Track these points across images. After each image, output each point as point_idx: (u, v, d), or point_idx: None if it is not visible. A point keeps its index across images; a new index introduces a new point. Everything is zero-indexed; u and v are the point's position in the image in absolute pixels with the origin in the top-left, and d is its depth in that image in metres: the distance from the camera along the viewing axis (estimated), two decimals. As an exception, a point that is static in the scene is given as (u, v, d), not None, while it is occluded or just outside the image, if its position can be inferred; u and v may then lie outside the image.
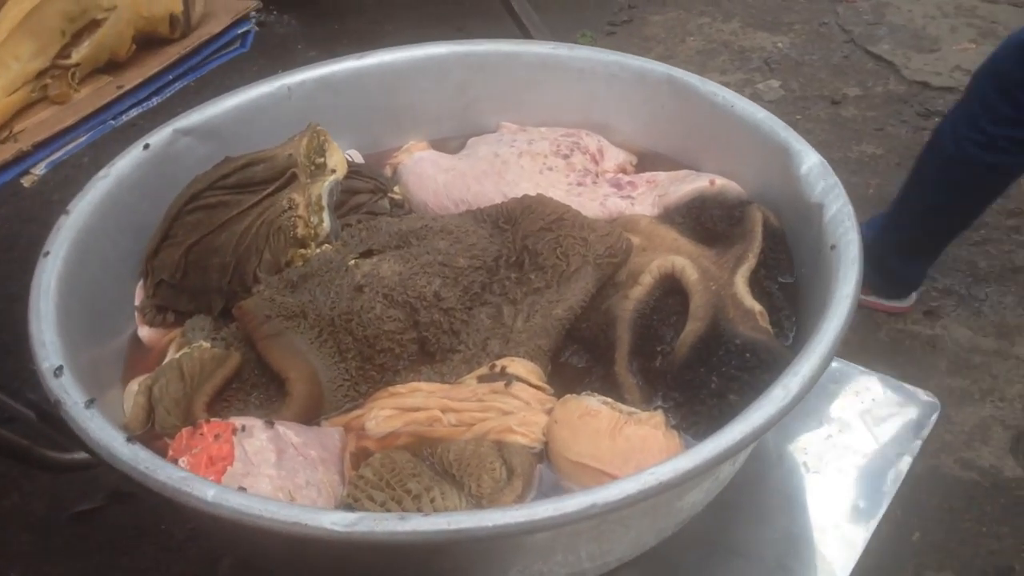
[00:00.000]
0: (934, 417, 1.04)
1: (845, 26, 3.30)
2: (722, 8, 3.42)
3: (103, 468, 1.67)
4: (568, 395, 0.92)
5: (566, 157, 1.20)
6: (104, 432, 0.79)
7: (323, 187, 1.09)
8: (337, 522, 0.71)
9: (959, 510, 1.80)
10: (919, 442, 1.01)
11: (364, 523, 0.71)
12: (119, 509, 1.75)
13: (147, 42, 1.30)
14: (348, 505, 0.83)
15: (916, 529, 1.73)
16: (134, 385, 0.98)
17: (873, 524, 0.95)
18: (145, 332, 1.06)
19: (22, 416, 1.74)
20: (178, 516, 1.74)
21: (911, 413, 1.05)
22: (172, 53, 1.29)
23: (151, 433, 0.92)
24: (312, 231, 1.06)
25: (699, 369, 0.92)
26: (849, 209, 0.97)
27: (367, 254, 1.04)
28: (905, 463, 1.00)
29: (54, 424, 1.09)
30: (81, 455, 1.56)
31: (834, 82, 3.02)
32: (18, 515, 1.75)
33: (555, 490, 0.87)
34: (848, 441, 1.03)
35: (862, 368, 1.10)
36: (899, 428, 1.03)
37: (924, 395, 1.06)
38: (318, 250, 1.06)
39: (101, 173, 1.08)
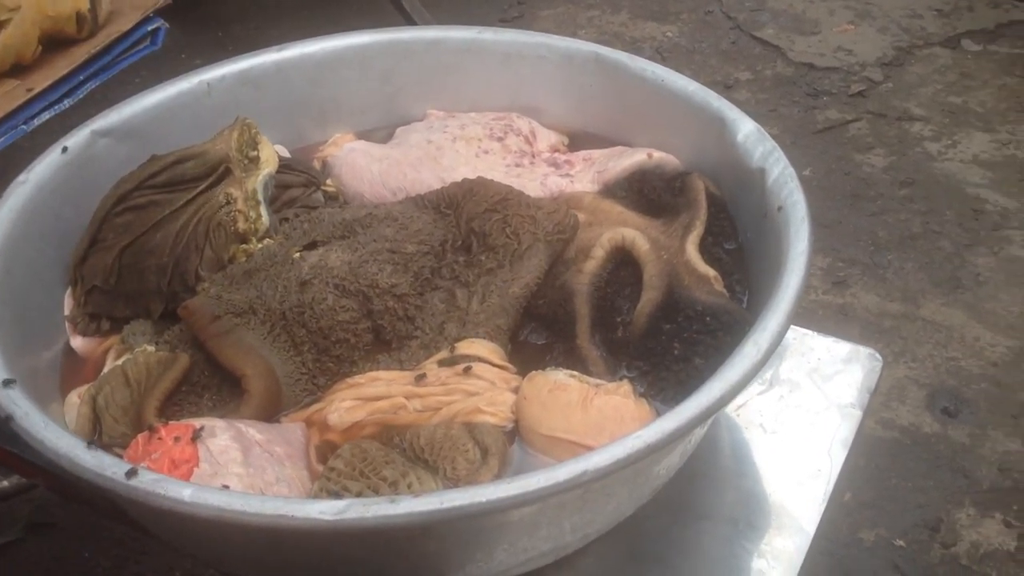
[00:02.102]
0: (878, 370, 1.07)
1: (729, 13, 3.39)
2: (610, 0, 3.48)
3: (16, 500, 1.59)
4: (534, 371, 0.91)
5: (500, 139, 1.20)
6: (63, 440, 0.75)
7: (258, 181, 1.06)
8: (325, 510, 0.69)
9: (885, 468, 1.87)
10: (868, 395, 1.04)
11: (354, 509, 0.69)
12: (37, 541, 1.65)
13: (54, 43, 1.23)
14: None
15: (847, 490, 1.79)
16: (74, 397, 0.93)
17: (833, 477, 0.97)
18: (78, 342, 1.01)
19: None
20: (102, 542, 1.66)
21: (856, 369, 1.08)
22: (81, 53, 1.23)
23: (99, 444, 0.87)
24: (252, 226, 1.03)
25: (660, 337, 0.93)
26: (791, 171, 0.99)
27: (311, 246, 1.02)
28: (856, 417, 1.03)
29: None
30: (-1, 484, 1.48)
31: (725, 67, 3.10)
32: (-74, 555, 1.65)
33: (530, 467, 0.86)
34: (800, 400, 1.05)
35: (805, 330, 1.12)
36: (847, 384, 1.06)
37: (866, 351, 1.10)
38: (260, 245, 1.02)
39: (20, 179, 1.03)
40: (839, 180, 2.62)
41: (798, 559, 0.91)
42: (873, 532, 1.77)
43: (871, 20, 3.28)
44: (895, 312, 2.20)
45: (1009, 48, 3.10)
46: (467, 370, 0.92)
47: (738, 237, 1.05)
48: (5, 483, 1.51)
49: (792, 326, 1.05)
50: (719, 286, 0.97)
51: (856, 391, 1.05)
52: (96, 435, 0.88)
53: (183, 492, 0.70)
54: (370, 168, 1.18)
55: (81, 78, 1.23)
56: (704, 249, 1.01)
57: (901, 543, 1.76)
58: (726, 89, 2.96)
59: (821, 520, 0.94)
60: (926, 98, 2.90)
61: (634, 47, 3.18)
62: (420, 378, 0.92)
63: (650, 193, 1.08)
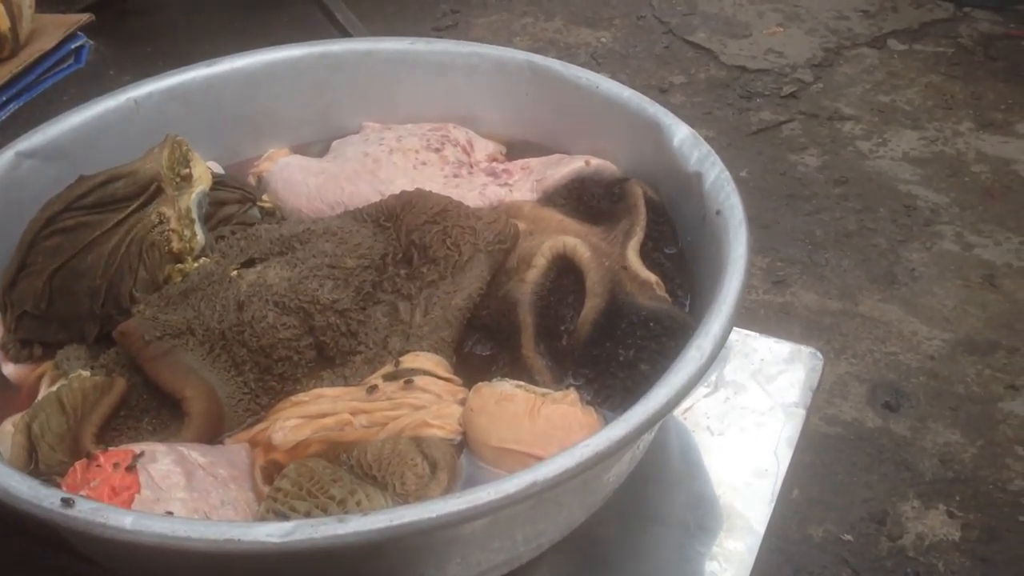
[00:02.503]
0: (820, 368, 1.08)
1: (662, 18, 3.43)
2: (543, 7, 3.49)
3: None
4: (480, 383, 0.91)
5: (438, 151, 1.19)
6: (-3, 472, 0.72)
7: (191, 199, 1.04)
8: (272, 533, 0.67)
9: (830, 464, 1.90)
10: (811, 393, 1.05)
11: (302, 530, 0.68)
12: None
13: (-27, 62, 1.20)
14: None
15: (794, 486, 1.81)
16: (8, 425, 0.90)
17: (781, 476, 0.98)
18: (10, 369, 0.98)
19: None
20: (41, 571, 1.61)
21: (798, 368, 1.09)
22: (3, 73, 1.20)
23: (35, 473, 0.85)
24: (187, 245, 1.00)
25: (605, 344, 0.93)
26: (727, 175, 1.00)
27: (249, 263, 1.00)
28: (800, 415, 1.04)
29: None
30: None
31: (660, 72, 3.13)
32: None
33: (479, 479, 0.85)
34: (745, 401, 1.06)
35: (747, 331, 1.13)
36: (790, 383, 1.07)
37: (807, 350, 1.11)
38: (196, 264, 1.00)
39: (-59, 202, 0.99)
40: (775, 180, 2.66)
41: (749, 559, 0.91)
42: (821, 528, 1.80)
43: (799, 22, 3.34)
44: (834, 309, 2.24)
45: (933, 47, 3.18)
46: (408, 383, 0.91)
47: (678, 242, 1.06)
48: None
49: (735, 328, 1.06)
50: (661, 291, 0.97)
51: (799, 390, 1.06)
52: (32, 464, 0.86)
53: (124, 520, 0.68)
54: (307, 183, 1.16)
55: (3, 99, 1.19)
56: (645, 255, 1.01)
57: (849, 537, 1.79)
58: (661, 93, 2.99)
59: (770, 519, 0.95)
60: (855, 97, 2.97)
61: (569, 54, 3.20)
62: (372, 390, 0.91)
63: (589, 200, 1.09)
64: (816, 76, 3.07)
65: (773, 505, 0.96)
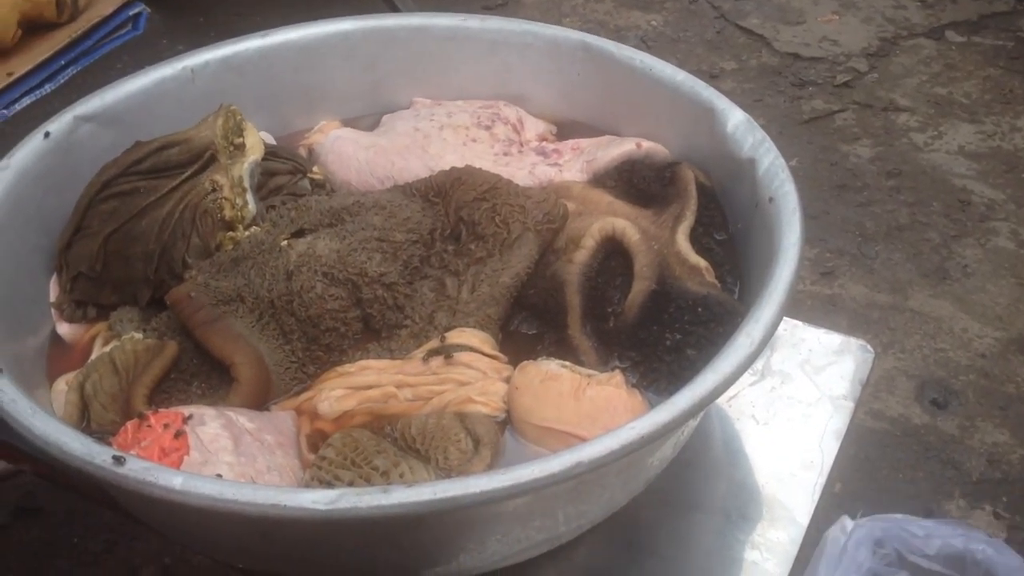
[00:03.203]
0: (870, 362, 1.07)
1: (714, 3, 3.38)
2: (595, -11, 3.46)
3: (3, 484, 1.57)
4: (526, 361, 0.91)
5: (488, 128, 1.19)
6: (51, 427, 0.74)
7: (243, 168, 1.05)
8: (318, 500, 0.68)
9: (875, 459, 1.87)
10: (860, 386, 1.04)
11: (346, 499, 0.68)
12: (25, 526, 1.64)
13: (34, 27, 1.21)
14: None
15: (837, 480, 1.79)
16: (62, 383, 0.92)
17: (826, 469, 0.97)
18: (65, 329, 0.99)
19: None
20: (91, 528, 1.65)
21: (848, 360, 1.08)
22: (62, 37, 1.21)
23: (86, 431, 0.86)
24: (239, 213, 1.01)
25: (652, 327, 0.92)
26: (781, 162, 0.99)
27: (299, 234, 1.01)
28: (848, 408, 1.03)
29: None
30: (-18, 472, 1.46)
31: (710, 57, 3.09)
32: (-91, 544, 1.63)
33: (522, 457, 0.86)
34: (792, 392, 1.05)
35: (796, 321, 1.12)
36: (839, 375, 1.06)
37: (857, 342, 1.10)
38: (247, 233, 1.01)
39: (1, 164, 1.01)
40: (826, 170, 2.62)
41: (792, 550, 0.91)
42: (862, 522, 1.78)
43: (855, 10, 3.28)
44: (883, 303, 2.21)
45: (992, 39, 3.11)
46: (448, 358, 0.91)
47: (728, 228, 1.05)
48: (-10, 469, 1.49)
49: (784, 317, 1.05)
50: (710, 277, 0.96)
51: (848, 383, 1.05)
52: (84, 422, 0.87)
53: (174, 480, 0.69)
54: (357, 156, 1.17)
55: (62, 63, 1.21)
56: (694, 240, 1.00)
57: (889, 533, 1.77)
58: (712, 79, 2.96)
59: (814, 511, 0.94)
60: (911, 88, 2.91)
61: (619, 36, 3.17)
62: (429, 356, 0.91)
63: (639, 183, 1.08)
64: (871, 66, 3.02)
65: (817, 497, 0.95)
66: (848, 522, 0.59)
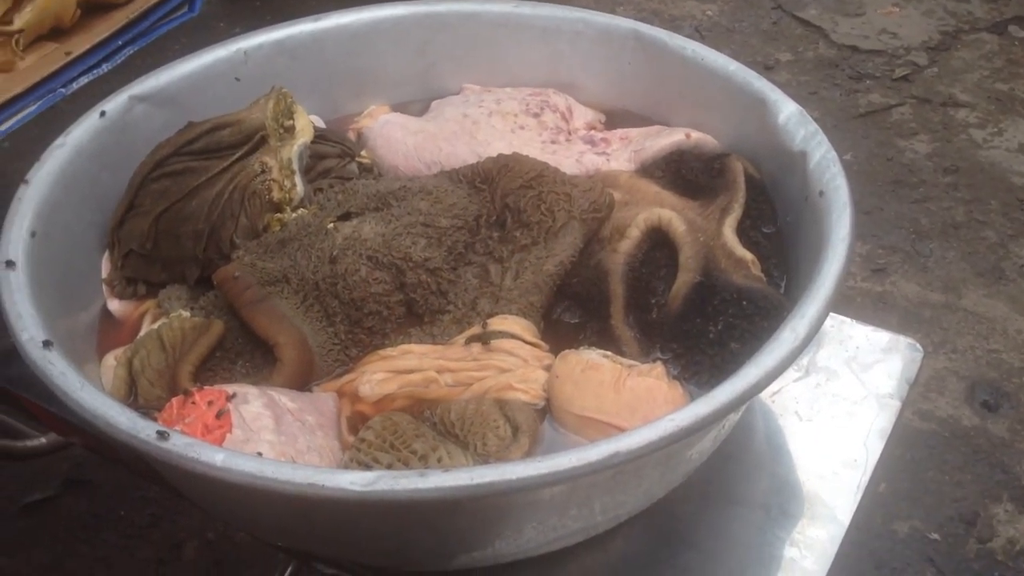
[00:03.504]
0: (919, 361, 1.05)
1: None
2: (650, -23, 3.44)
3: (55, 456, 1.61)
4: (567, 350, 0.91)
5: (537, 115, 1.18)
6: (99, 401, 0.75)
7: (293, 150, 1.06)
8: (356, 481, 0.69)
9: (921, 460, 1.85)
10: (907, 385, 1.02)
11: (383, 481, 0.69)
12: (73, 498, 1.68)
13: (92, 7, 1.23)
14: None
15: (882, 480, 1.77)
16: (111, 359, 0.93)
17: (870, 468, 0.96)
18: (115, 305, 1.01)
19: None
20: (137, 501, 1.69)
21: (896, 359, 1.06)
22: (120, 18, 1.23)
23: (133, 406, 0.88)
24: (287, 195, 1.02)
25: (695, 319, 0.92)
26: (833, 155, 0.97)
27: (345, 217, 1.01)
28: (895, 407, 1.01)
29: (16, 405, 1.04)
30: (36, 442, 1.50)
31: (766, 48, 3.06)
32: (-35, 510, 1.68)
33: (560, 446, 0.86)
34: (837, 389, 1.04)
35: (843, 318, 1.11)
36: (886, 374, 1.04)
37: (906, 341, 1.08)
38: (294, 215, 1.02)
39: (57, 142, 1.03)
40: (881, 166, 2.58)
41: (832, 549, 0.89)
42: (907, 524, 1.75)
43: (917, 3, 3.22)
44: (936, 302, 2.17)
45: (1059, 35, 3.03)
46: (486, 345, 0.91)
47: (777, 221, 1.03)
48: (43, 440, 1.53)
49: (831, 313, 1.03)
50: (756, 270, 0.95)
51: (895, 381, 1.03)
52: (131, 397, 0.89)
53: (215, 457, 0.70)
54: (405, 141, 1.17)
55: (120, 43, 1.23)
56: (742, 232, 0.99)
57: (936, 536, 1.74)
58: (766, 70, 2.92)
59: (856, 510, 0.93)
60: (972, 84, 2.85)
61: (673, 25, 3.14)
62: (471, 341, 0.91)
63: (687, 174, 1.07)
64: (931, 60, 2.96)
65: (859, 497, 0.94)
66: None
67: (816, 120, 1.02)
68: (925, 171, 2.54)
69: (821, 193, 0.94)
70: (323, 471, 0.70)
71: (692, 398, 0.83)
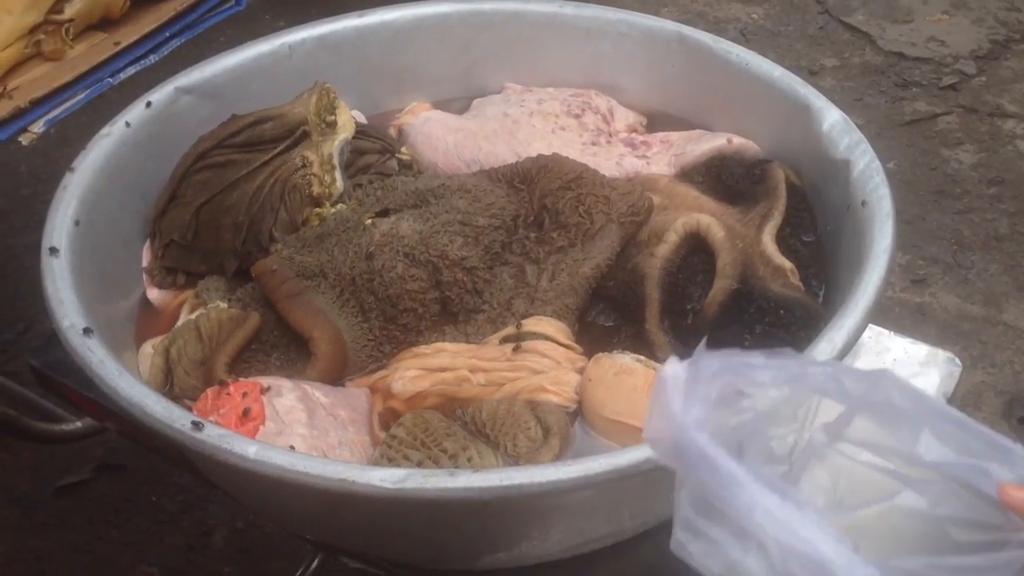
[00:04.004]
0: (956, 375, 1.04)
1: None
2: (696, -21, 3.41)
3: (90, 440, 1.63)
4: (600, 353, 0.90)
5: (578, 117, 1.18)
6: (135, 390, 0.76)
7: (334, 146, 1.06)
8: (386, 478, 0.69)
9: (955, 474, 1.82)
10: (944, 400, 1.01)
11: (413, 479, 0.69)
12: (107, 482, 1.71)
13: (141, -1, 1.26)
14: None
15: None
16: (148, 347, 0.95)
17: (903, 480, 0.94)
18: (155, 294, 1.03)
19: (4, 388, 1.69)
20: (169, 487, 1.71)
21: (933, 372, 1.05)
22: (168, 10, 1.25)
23: (169, 395, 0.89)
24: (326, 190, 1.03)
25: (732, 327, 0.91)
26: (877, 165, 0.96)
27: (384, 213, 1.02)
28: (929, 421, 1.00)
29: (54, 389, 1.06)
30: (72, 426, 1.52)
31: (811, 53, 3.02)
32: (1, 489, 1.70)
33: (590, 449, 0.85)
34: (871, 400, 1.02)
35: (881, 329, 1.09)
36: (923, 387, 1.03)
37: (944, 354, 1.06)
38: (333, 209, 1.03)
39: (104, 131, 1.04)
40: (924, 175, 2.54)
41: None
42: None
43: (967, 11, 3.16)
44: (975, 315, 2.14)
45: (1112, 47, 2.97)
46: (516, 349, 0.91)
47: (817, 230, 1.02)
48: (79, 424, 1.55)
49: (868, 324, 1.02)
50: (795, 279, 0.94)
51: (933, 395, 1.02)
52: (167, 386, 0.90)
53: (248, 449, 0.71)
54: (445, 139, 1.17)
55: (167, 35, 1.24)
56: (781, 240, 0.98)
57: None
58: (811, 75, 2.89)
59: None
60: (1021, 94, 2.80)
61: (717, 28, 3.12)
62: (504, 342, 0.91)
63: (728, 179, 1.06)
64: (979, 69, 2.91)
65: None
66: (677, 362, 0.56)
67: (860, 127, 1.01)
68: (969, 182, 2.50)
69: (864, 203, 0.93)
70: (354, 467, 0.71)
71: (725, 406, 0.82)
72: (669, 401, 0.55)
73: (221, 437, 0.72)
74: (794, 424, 0.59)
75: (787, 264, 0.95)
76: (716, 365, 0.57)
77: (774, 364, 0.57)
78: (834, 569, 0.50)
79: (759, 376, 0.57)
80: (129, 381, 0.77)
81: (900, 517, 0.57)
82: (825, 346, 0.78)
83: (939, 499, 0.58)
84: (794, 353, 0.61)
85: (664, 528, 0.88)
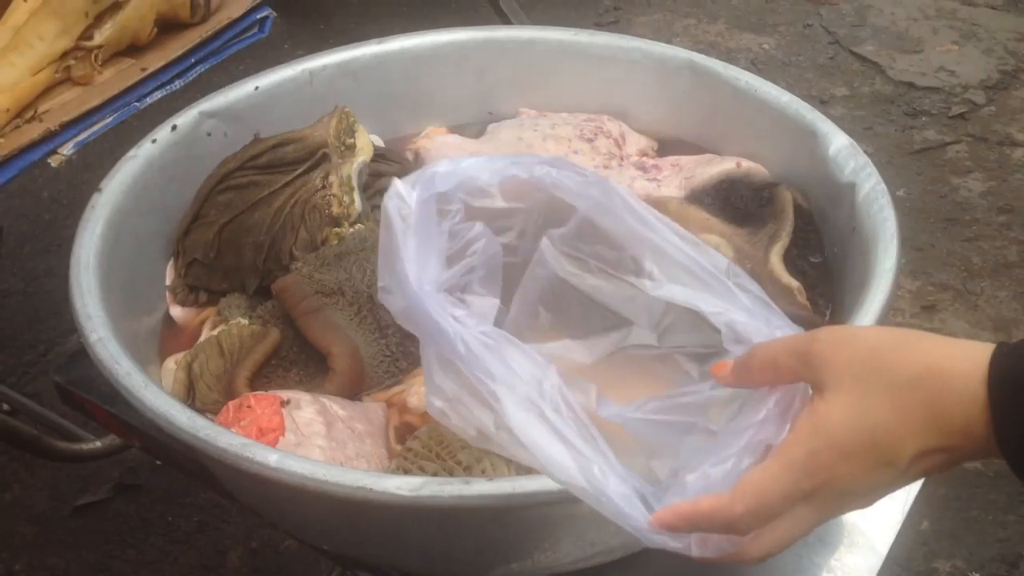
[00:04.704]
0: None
1: (829, 28, 3.33)
2: (707, 10, 3.45)
3: (107, 460, 1.66)
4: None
5: (590, 141, 1.21)
6: (161, 400, 0.79)
7: (353, 167, 1.09)
8: (402, 486, 0.71)
9: (965, 499, 1.82)
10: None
11: (429, 487, 0.71)
12: (124, 501, 1.73)
13: (168, 26, 1.29)
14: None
15: (924, 518, 1.75)
16: (171, 363, 0.97)
17: (910, 500, 0.96)
18: (177, 312, 1.05)
19: (25, 408, 1.72)
20: (185, 507, 1.73)
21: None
22: (193, 37, 1.28)
23: (191, 408, 0.91)
24: (345, 210, 1.06)
25: (739, 344, 0.93)
26: (882, 187, 0.98)
27: (401, 233, 1.04)
28: (936, 439, 1.01)
29: (78, 406, 1.08)
30: (91, 445, 1.55)
31: (821, 82, 3.05)
32: (19, 508, 1.73)
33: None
34: (879, 419, 1.04)
35: (887, 347, 1.11)
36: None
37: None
38: (351, 229, 1.05)
39: (130, 154, 1.08)
40: (934, 203, 2.56)
41: (869, 579, 0.90)
42: (949, 563, 1.73)
43: (976, 41, 3.20)
44: (985, 341, 2.15)
45: (1121, 77, 2.99)
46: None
47: (824, 251, 1.05)
48: (98, 443, 1.58)
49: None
50: (802, 298, 0.96)
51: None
52: (190, 400, 0.92)
53: (269, 458, 0.73)
54: (462, 162, 1.20)
55: (192, 61, 1.28)
56: (788, 261, 1.00)
57: (977, 576, 1.72)
58: (821, 104, 2.92)
59: (894, 543, 0.93)
60: (1030, 124, 2.82)
61: (729, 58, 3.16)
62: None
63: (737, 201, 1.08)
64: (989, 98, 2.94)
65: (899, 528, 0.94)
66: (399, 184, 0.59)
67: (870, 155, 1.03)
68: (979, 209, 2.52)
69: (868, 224, 0.95)
70: (372, 475, 0.73)
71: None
72: (401, 255, 0.56)
73: (244, 446, 0.74)
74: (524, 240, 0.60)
75: (794, 283, 0.97)
76: (444, 182, 0.59)
77: (498, 166, 0.58)
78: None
79: (485, 180, 0.59)
80: (155, 392, 0.80)
81: (632, 357, 0.59)
82: (831, 362, 0.80)
83: (668, 331, 0.60)
84: (528, 157, 0.62)
85: (674, 542, 0.89)
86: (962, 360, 0.54)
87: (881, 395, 0.53)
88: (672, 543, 0.60)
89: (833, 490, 0.55)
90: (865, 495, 0.57)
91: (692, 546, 0.59)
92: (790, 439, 0.56)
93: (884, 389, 0.53)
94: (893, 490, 0.58)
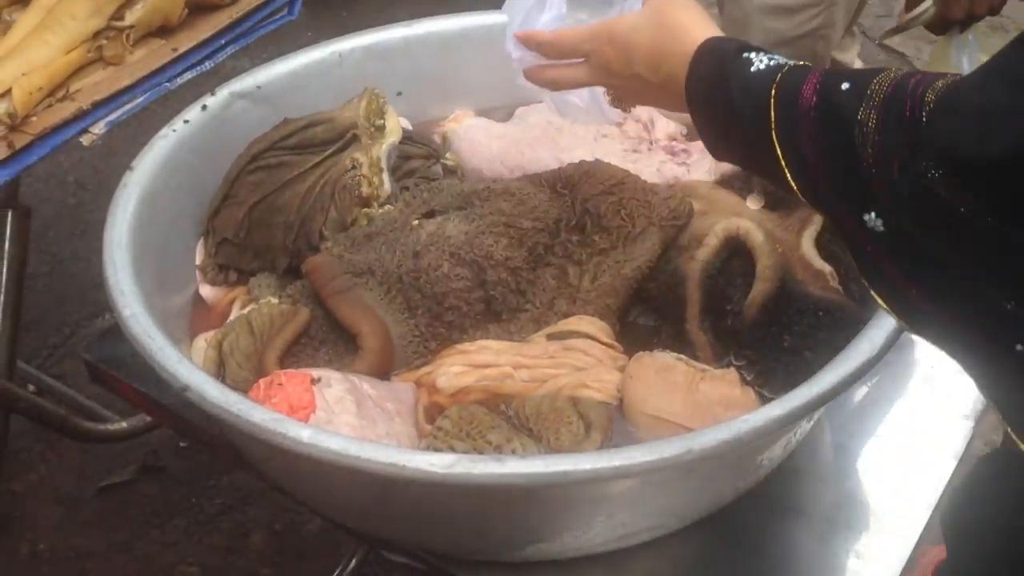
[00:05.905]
0: (994, 381, 1.04)
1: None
2: (733, -1, 3.43)
3: (132, 442, 1.67)
4: (642, 352, 0.92)
5: (619, 125, 1.21)
6: (195, 375, 0.79)
7: (383, 149, 1.09)
8: (435, 463, 0.71)
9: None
10: (981, 408, 1.01)
11: (462, 464, 0.71)
12: (148, 483, 1.74)
13: (199, 7, 1.29)
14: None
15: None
16: (201, 341, 0.97)
17: (940, 488, 0.95)
18: (207, 291, 1.06)
19: (52, 389, 1.74)
20: (208, 490, 1.73)
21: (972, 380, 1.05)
22: (223, 18, 1.28)
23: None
24: (375, 191, 1.06)
25: (771, 328, 0.92)
26: (917, 172, 0.97)
27: (430, 214, 1.04)
28: (968, 428, 1.01)
29: (108, 384, 1.09)
30: (116, 426, 1.56)
31: (850, 69, 3.04)
32: (45, 489, 1.74)
33: (630, 444, 0.87)
34: (911, 406, 1.03)
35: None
36: (961, 395, 1.03)
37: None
38: (381, 210, 1.06)
39: (162, 132, 1.08)
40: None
41: (897, 565, 0.89)
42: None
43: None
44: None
45: None
46: (566, 347, 0.93)
47: (857, 236, 1.03)
48: (123, 424, 1.59)
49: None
50: (834, 282, 0.96)
51: (970, 403, 1.02)
52: (220, 377, 0.93)
53: (302, 433, 0.73)
54: (489, 145, 1.20)
55: (222, 42, 1.28)
56: (822, 245, 0.99)
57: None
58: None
59: (924, 529, 0.93)
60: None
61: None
62: (547, 340, 0.93)
63: (767, 186, 1.07)
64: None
65: (929, 515, 0.94)
66: None
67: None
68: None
69: (903, 209, 0.94)
70: (405, 452, 0.73)
71: (763, 404, 0.83)
72: None
73: (276, 422, 0.75)
74: None
75: (827, 268, 0.96)
76: None
77: None
78: None
79: None
80: (188, 367, 0.80)
81: None
82: (865, 345, 0.79)
83: None
84: None
85: (701, 526, 0.89)
86: (699, 39, 0.76)
87: (652, 32, 0.79)
88: (515, 52, 0.92)
89: (599, 61, 0.83)
90: (620, 83, 0.84)
91: (523, 57, 0.92)
92: (596, 24, 0.84)
93: (655, 29, 0.79)
94: (642, 97, 0.86)
